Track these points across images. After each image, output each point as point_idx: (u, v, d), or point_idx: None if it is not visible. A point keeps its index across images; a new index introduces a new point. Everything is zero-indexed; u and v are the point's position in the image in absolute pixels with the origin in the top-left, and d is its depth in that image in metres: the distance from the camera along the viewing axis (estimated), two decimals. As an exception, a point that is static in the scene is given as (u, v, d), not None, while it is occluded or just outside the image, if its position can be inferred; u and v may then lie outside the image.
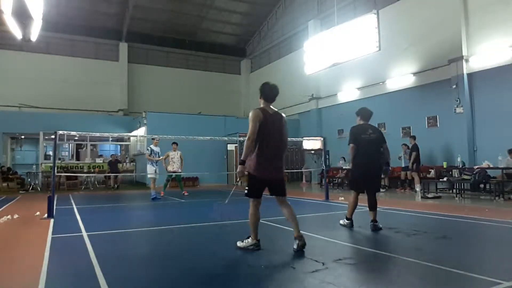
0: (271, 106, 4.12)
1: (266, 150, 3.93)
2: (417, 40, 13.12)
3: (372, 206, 5.24)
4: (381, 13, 11.34)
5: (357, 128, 5.43)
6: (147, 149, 10.55)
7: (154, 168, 10.34)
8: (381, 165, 5.31)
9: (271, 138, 3.97)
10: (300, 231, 3.93)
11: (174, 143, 11.24)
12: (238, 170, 3.93)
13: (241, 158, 3.91)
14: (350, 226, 5.36)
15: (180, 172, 11.23)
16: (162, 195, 11.09)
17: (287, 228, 5.45)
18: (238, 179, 3.69)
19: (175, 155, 11.14)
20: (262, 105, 4.09)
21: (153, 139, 10.63)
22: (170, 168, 11.05)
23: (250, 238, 4.04)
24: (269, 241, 4.54)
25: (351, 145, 5.32)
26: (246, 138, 3.92)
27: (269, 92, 4.07)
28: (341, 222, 5.51)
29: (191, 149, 10.58)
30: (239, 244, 4.08)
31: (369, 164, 5.22)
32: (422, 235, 4.81)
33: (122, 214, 8.01)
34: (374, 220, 5.16)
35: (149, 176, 10.73)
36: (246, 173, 3.98)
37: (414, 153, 11.12)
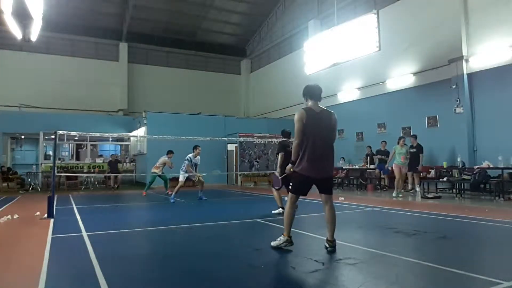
0: (319, 105, 4.09)
1: (311, 149, 3.90)
2: (417, 40, 13.11)
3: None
4: (381, 13, 11.34)
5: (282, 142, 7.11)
6: (187, 159, 9.86)
7: (186, 176, 9.94)
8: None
9: (317, 137, 3.93)
10: (334, 237, 3.96)
11: (171, 152, 11.51)
12: (287, 168, 4.15)
13: (292, 159, 4.05)
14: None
15: (164, 174, 11.64)
16: (144, 195, 11.35)
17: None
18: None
19: (169, 162, 11.53)
20: (309, 104, 4.09)
21: (194, 149, 9.95)
22: (157, 171, 11.45)
23: (282, 235, 4.06)
24: (269, 241, 4.54)
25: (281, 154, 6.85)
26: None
27: (313, 90, 4.10)
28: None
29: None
30: (272, 243, 4.07)
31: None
32: (422, 235, 4.81)
33: (122, 214, 8.01)
34: None
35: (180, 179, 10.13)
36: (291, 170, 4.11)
37: (421, 155, 11.03)
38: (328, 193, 4.08)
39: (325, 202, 4.09)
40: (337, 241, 4.00)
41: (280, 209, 6.77)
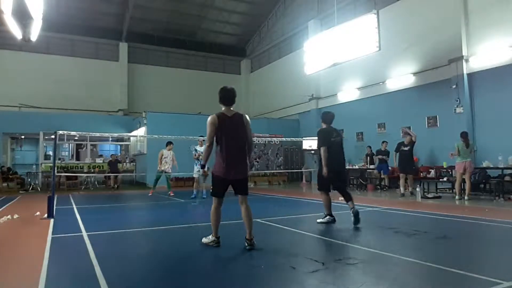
0: (232, 109, 4.25)
1: (226, 152, 4.07)
2: (417, 40, 13.11)
3: (348, 197, 5.77)
4: (381, 13, 11.33)
5: (325, 131, 5.94)
6: (193, 150, 10.52)
7: (198, 168, 10.27)
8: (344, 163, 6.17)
9: (231, 140, 4.10)
10: (252, 235, 4.07)
11: (170, 142, 11.31)
12: (200, 172, 4.39)
13: (201, 163, 4.33)
14: (333, 221, 5.80)
15: (170, 172, 11.43)
16: (150, 194, 11.21)
17: (287, 228, 5.47)
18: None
19: (168, 155, 11.28)
20: (222, 109, 4.24)
21: (199, 137, 10.44)
22: (162, 167, 11.21)
23: (211, 235, 4.23)
24: (269, 241, 4.54)
25: (324, 147, 5.74)
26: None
27: (227, 95, 4.25)
28: (320, 220, 5.86)
29: (191, 149, 10.58)
30: (203, 240, 4.29)
31: (338, 164, 5.89)
32: (422, 235, 4.81)
33: (122, 214, 8.00)
34: (354, 209, 5.59)
35: (194, 175, 10.67)
36: (209, 174, 4.39)
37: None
38: (243, 194, 4.18)
39: (240, 202, 4.19)
40: (337, 241, 3.99)
41: (328, 217, 5.80)
